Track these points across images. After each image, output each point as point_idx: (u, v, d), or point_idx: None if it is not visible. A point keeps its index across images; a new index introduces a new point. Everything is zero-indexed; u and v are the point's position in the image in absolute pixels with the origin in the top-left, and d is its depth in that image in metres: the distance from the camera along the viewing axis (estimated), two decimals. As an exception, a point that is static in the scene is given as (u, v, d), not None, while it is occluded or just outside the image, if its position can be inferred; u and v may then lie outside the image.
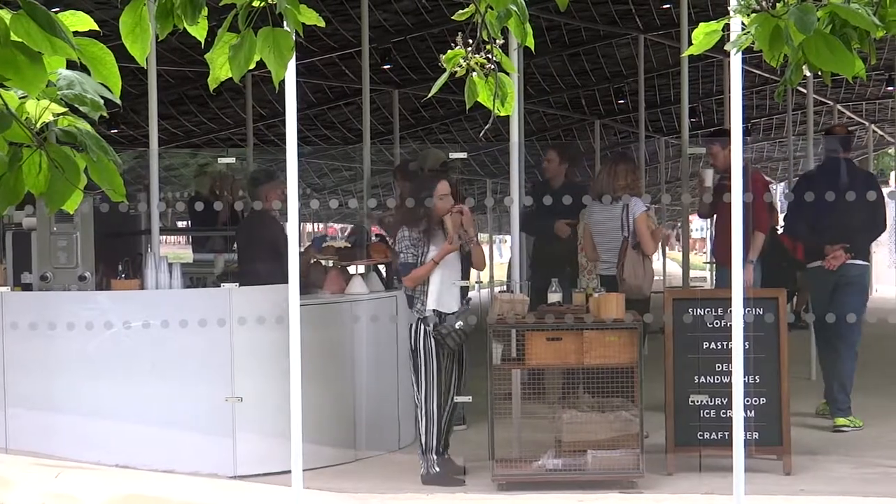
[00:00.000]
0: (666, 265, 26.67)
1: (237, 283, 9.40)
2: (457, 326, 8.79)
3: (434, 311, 8.83)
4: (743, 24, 3.95)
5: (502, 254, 34.23)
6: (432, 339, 8.80)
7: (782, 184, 25.81)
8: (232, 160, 14.98)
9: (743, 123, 7.59)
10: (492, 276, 26.71)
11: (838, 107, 24.99)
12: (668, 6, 15.57)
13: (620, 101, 22.55)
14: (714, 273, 12.29)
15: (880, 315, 10.49)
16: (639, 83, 17.16)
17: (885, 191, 10.91)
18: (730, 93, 7.24)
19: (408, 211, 8.98)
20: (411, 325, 8.91)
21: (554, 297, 9.15)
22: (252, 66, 3.74)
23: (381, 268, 11.02)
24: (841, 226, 10.38)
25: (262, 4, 3.65)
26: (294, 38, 3.73)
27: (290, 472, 7.46)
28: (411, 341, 8.87)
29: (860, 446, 9.79)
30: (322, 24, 3.82)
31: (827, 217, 10.30)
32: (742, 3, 3.94)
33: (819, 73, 4.05)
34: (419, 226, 8.88)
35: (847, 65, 3.84)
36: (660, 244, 15.41)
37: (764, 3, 3.84)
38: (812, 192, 10.13)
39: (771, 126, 27.46)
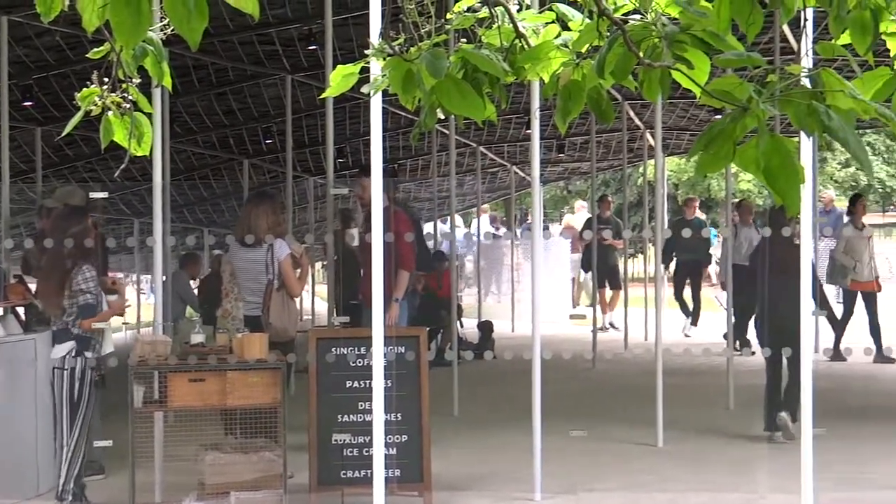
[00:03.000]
0: (314, 304, 26.79)
1: None
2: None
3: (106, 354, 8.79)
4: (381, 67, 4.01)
5: (149, 295, 33.69)
6: (94, 382, 8.71)
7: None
8: None
9: (388, 164, 7.72)
10: (139, 318, 26.27)
11: (481, 149, 25.69)
12: (314, 47, 15.69)
13: (269, 141, 22.56)
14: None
15: (516, 352, 10.80)
16: (286, 123, 17.21)
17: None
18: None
19: (82, 250, 8.77)
20: (75, 367, 8.70)
21: (197, 337, 9.07)
22: None
23: (20, 310, 10.68)
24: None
25: None
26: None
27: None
28: (73, 383, 8.67)
29: (497, 481, 10.04)
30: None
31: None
32: (377, 47, 4.01)
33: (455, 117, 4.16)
34: (92, 264, 8.76)
35: (477, 109, 3.94)
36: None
37: (397, 48, 3.91)
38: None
39: (418, 166, 27.99)
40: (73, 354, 8.70)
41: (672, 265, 21.14)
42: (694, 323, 21.83)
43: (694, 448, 11.45)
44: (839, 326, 17.67)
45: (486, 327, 20.18)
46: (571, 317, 16.44)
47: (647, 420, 11.55)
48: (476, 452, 11.32)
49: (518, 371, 11.43)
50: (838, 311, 18.29)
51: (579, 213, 31.31)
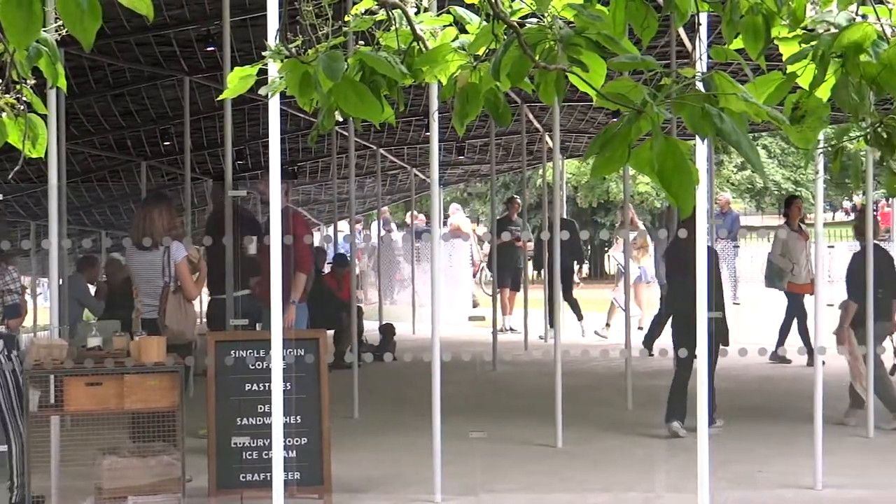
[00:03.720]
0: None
1: None
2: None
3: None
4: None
5: (46, 298, 33.33)
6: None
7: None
8: None
9: (289, 166, 7.70)
10: (35, 321, 25.96)
11: (381, 151, 25.65)
12: (212, 48, 15.58)
13: (167, 143, 22.36)
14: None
15: (416, 353, 10.83)
16: (184, 125, 17.08)
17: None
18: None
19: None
20: (14, 367, 8.72)
21: (94, 341, 8.98)
22: None
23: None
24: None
25: None
26: None
27: None
28: (17, 381, 8.70)
29: (397, 483, 10.04)
30: None
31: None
32: (274, 48, 3.99)
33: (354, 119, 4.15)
34: (11, 265, 8.76)
35: (375, 111, 3.94)
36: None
37: (294, 50, 3.90)
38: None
39: (318, 169, 27.89)
40: (5, 354, 8.69)
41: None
42: (579, 318, 21.87)
43: (593, 448, 11.53)
44: (791, 330, 17.70)
45: (387, 330, 20.17)
46: (470, 318, 16.45)
47: (547, 421, 11.61)
48: (376, 454, 11.30)
49: (418, 373, 11.45)
50: (733, 312, 18.45)
51: (455, 216, 31.48)
